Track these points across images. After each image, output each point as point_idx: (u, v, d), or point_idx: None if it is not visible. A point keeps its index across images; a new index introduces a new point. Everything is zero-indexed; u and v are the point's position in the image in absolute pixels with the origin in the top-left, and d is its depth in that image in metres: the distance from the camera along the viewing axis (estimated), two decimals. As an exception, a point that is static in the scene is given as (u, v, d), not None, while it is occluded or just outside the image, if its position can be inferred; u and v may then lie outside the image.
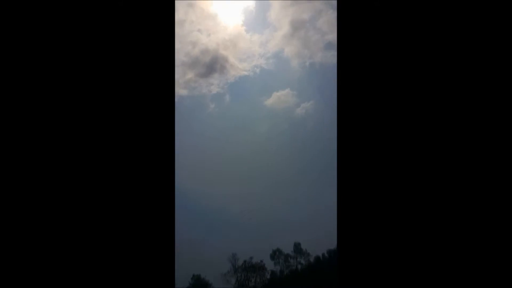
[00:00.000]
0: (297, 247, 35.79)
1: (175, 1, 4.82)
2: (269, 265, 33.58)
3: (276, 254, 35.11)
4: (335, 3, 5.01)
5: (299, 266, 35.20)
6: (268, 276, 34.81)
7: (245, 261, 33.10)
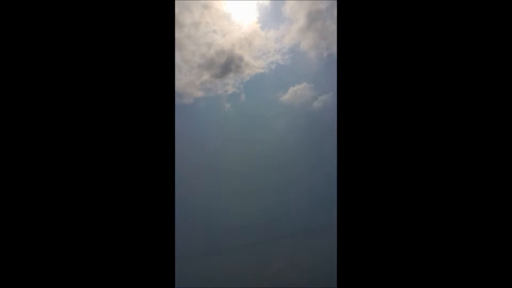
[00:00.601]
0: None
1: (175, 1, 4.76)
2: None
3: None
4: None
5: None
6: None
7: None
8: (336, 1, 4.34)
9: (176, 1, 28.71)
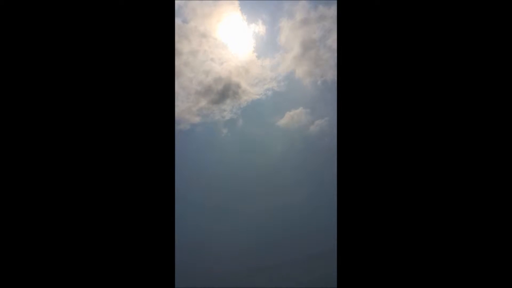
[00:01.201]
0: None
1: (175, 2, 4.92)
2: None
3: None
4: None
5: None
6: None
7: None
8: (336, 1, 4.48)
9: (175, 31, 29.42)
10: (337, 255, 4.47)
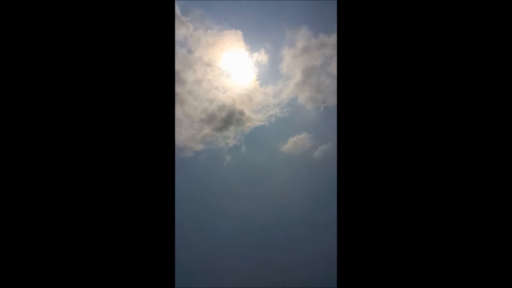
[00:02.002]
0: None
1: (175, 2, 4.86)
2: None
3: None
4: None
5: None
6: None
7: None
8: (336, 1, 4.43)
9: (177, 58, 29.54)
10: (337, 255, 4.54)
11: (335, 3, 4.59)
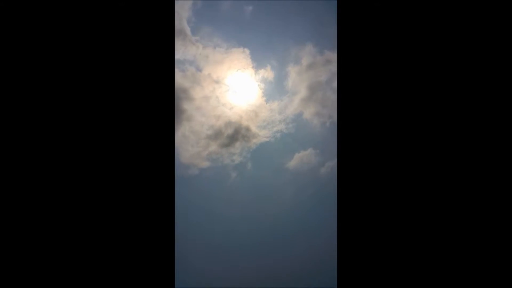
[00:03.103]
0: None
1: (175, 2, 5.00)
2: None
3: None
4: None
5: None
6: None
7: None
8: (336, 1, 4.53)
9: (186, 76, 30.15)
10: (337, 255, 4.71)
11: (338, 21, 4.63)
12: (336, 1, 4.82)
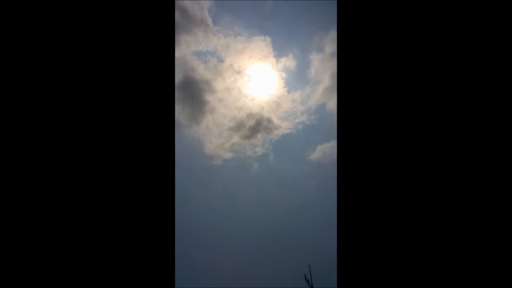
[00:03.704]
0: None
1: (175, 2, 4.86)
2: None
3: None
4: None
5: None
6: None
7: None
8: (336, 1, 4.40)
9: (208, 67, 29.99)
10: (337, 255, 4.51)
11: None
12: (336, 1, 4.62)
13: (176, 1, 5.16)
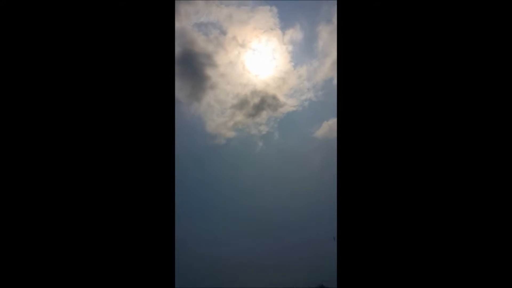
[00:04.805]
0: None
1: (175, 1, 4.84)
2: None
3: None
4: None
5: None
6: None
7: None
8: (336, 1, 4.47)
9: (209, 39, 28.95)
10: (337, 255, 4.53)
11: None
12: (336, 1, 4.60)
13: (176, 1, 5.00)
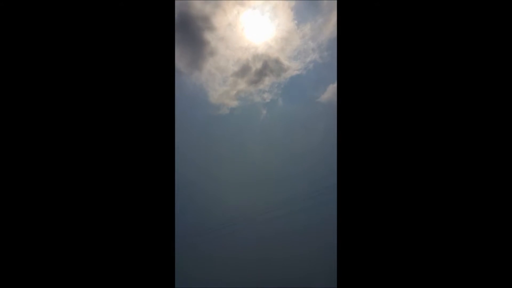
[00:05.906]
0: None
1: (175, 1, 4.90)
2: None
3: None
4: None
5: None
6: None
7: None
8: (336, 1, 3.90)
9: (206, 1, 27.39)
10: (337, 255, 4.50)
11: None
12: (336, 1, 4.66)
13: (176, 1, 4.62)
